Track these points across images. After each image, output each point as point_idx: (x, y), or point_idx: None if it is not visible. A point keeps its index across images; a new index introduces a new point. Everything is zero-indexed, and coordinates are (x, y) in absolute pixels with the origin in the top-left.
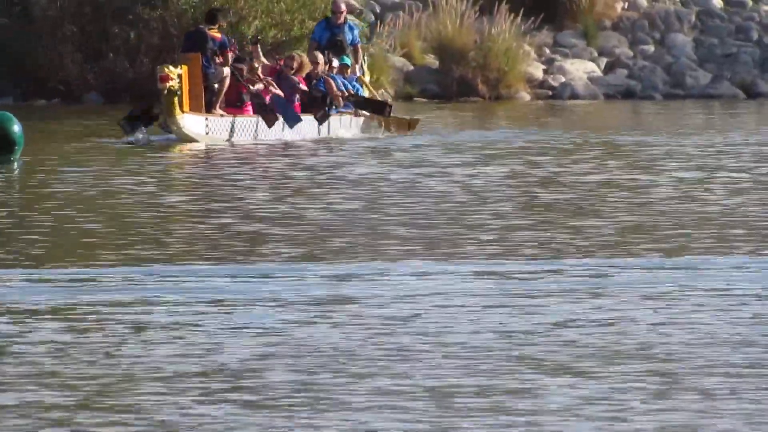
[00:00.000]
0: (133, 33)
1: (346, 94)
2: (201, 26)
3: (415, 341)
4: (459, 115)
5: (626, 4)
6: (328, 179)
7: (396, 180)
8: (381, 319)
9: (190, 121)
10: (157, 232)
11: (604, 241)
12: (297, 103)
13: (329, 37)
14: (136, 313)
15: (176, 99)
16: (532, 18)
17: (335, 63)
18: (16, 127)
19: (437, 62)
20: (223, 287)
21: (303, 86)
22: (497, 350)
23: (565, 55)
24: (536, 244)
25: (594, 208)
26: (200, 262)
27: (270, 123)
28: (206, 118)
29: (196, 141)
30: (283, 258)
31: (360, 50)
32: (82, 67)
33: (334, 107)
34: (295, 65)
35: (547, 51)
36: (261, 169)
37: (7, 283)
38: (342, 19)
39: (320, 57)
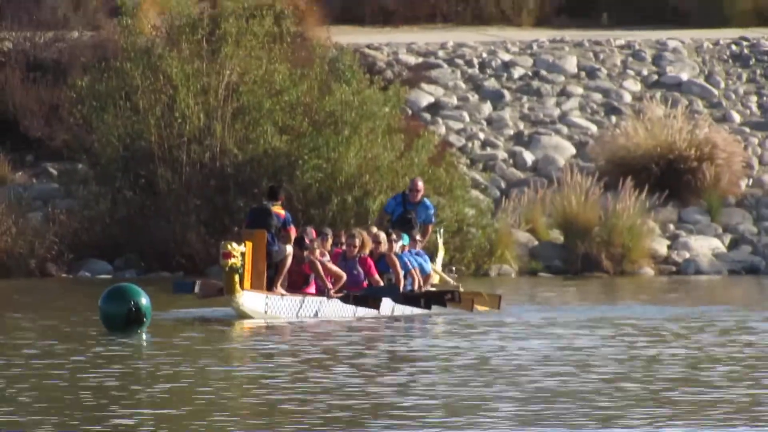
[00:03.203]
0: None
1: (415, 273)
2: (265, 202)
3: None
4: (584, 290)
5: (751, 180)
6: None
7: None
8: None
9: (250, 299)
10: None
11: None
12: (365, 283)
13: (401, 213)
14: None
15: (237, 276)
16: (657, 194)
17: (399, 243)
18: (144, 300)
19: (562, 238)
20: None
21: (371, 275)
22: None
23: (690, 231)
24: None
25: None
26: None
27: (376, 306)
28: (266, 296)
29: (254, 318)
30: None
31: (429, 230)
32: (205, 241)
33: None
34: (357, 243)
35: (672, 227)
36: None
37: None
38: (418, 198)
39: (382, 236)
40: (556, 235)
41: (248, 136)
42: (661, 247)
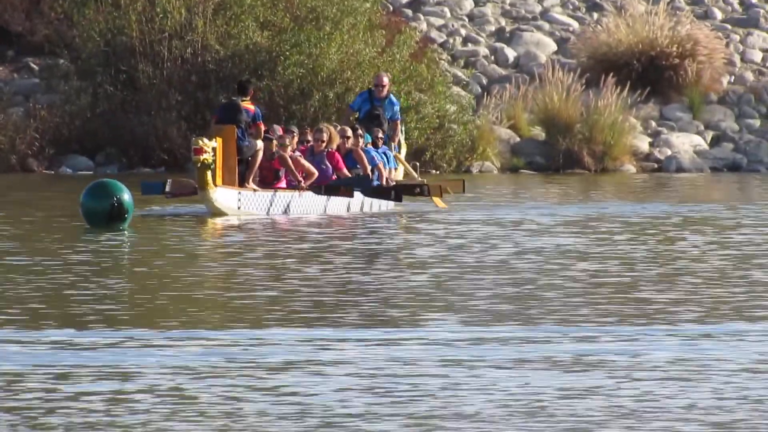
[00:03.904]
0: None
1: (382, 168)
2: (234, 98)
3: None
4: (565, 186)
5: (732, 78)
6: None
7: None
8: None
9: (223, 195)
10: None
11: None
12: (333, 178)
13: (368, 110)
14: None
15: (209, 172)
16: (639, 91)
17: (362, 141)
18: (127, 196)
19: (543, 134)
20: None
21: (339, 169)
22: None
23: (671, 128)
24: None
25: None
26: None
27: (349, 194)
28: (239, 192)
29: (227, 214)
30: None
31: (398, 126)
32: (186, 136)
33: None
34: (325, 138)
35: (653, 124)
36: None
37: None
38: (384, 93)
39: (349, 131)
40: (538, 132)
41: (230, 31)
42: (643, 144)
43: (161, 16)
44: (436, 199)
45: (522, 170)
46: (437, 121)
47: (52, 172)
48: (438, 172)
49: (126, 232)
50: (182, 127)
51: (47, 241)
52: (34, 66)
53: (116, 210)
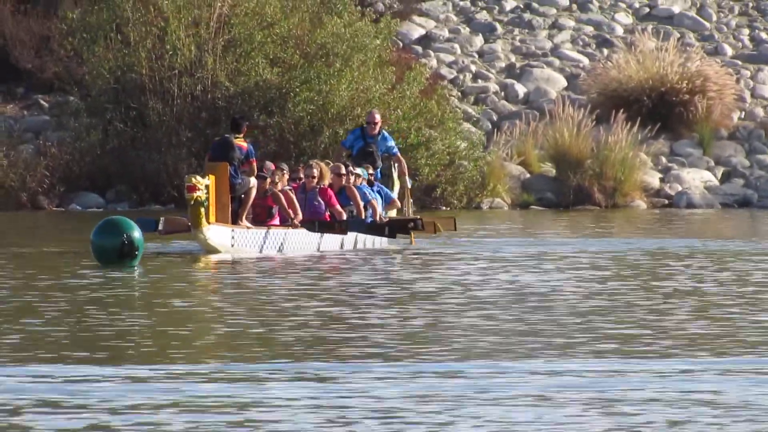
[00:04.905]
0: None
1: (375, 204)
2: (227, 135)
3: None
4: (577, 222)
5: (743, 113)
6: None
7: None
8: None
9: (216, 233)
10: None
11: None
12: (326, 214)
13: (362, 147)
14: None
15: (202, 209)
16: (649, 127)
17: (359, 171)
18: (137, 233)
19: (554, 170)
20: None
21: (332, 205)
22: None
23: (682, 164)
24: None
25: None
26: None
27: (343, 231)
28: (232, 230)
29: (220, 252)
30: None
31: (402, 159)
32: (197, 173)
33: (369, 216)
34: (315, 174)
35: (664, 160)
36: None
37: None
38: (376, 130)
39: (342, 168)
40: (548, 168)
41: (239, 68)
42: (653, 179)
43: (171, 53)
44: (411, 235)
45: (532, 206)
46: (448, 157)
47: (63, 210)
48: (449, 209)
49: (136, 269)
50: (192, 163)
51: (52, 279)
52: (44, 103)
53: (127, 248)
